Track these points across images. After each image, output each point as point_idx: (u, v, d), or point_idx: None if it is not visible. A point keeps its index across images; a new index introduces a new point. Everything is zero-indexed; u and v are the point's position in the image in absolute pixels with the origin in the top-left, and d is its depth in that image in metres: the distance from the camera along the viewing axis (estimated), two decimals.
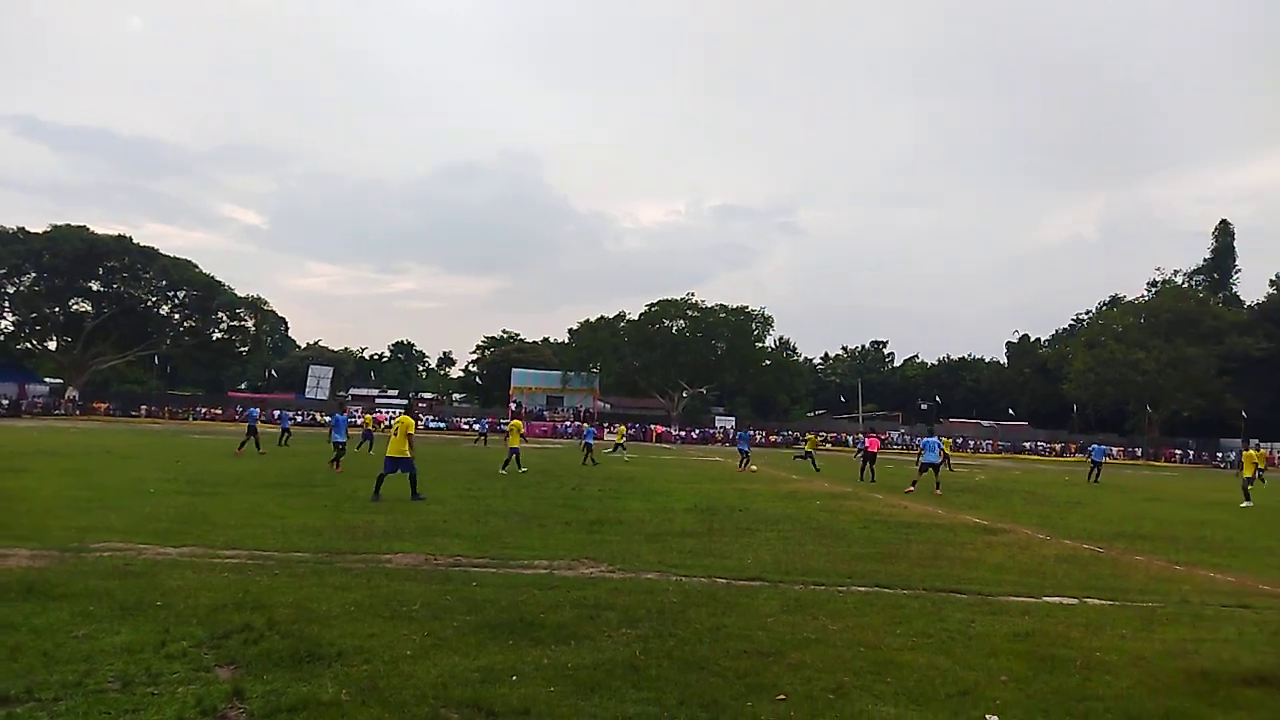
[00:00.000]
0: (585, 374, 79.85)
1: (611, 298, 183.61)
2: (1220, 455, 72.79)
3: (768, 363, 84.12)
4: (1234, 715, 4.96)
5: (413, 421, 15.47)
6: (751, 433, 42.56)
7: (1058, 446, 76.06)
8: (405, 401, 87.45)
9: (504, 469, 22.74)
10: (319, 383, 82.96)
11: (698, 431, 75.40)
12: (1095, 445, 35.89)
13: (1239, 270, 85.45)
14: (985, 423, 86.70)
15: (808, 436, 40.09)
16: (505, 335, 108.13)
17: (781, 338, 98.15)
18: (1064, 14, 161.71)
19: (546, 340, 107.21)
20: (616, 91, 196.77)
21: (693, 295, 78.82)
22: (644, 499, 17.09)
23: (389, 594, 7.16)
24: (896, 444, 74.99)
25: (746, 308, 78.89)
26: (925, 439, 22.52)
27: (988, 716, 4.83)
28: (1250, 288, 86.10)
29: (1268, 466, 22.99)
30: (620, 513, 14.27)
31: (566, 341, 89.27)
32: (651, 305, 78.90)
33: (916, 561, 10.33)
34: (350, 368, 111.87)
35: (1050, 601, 8.19)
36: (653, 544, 10.78)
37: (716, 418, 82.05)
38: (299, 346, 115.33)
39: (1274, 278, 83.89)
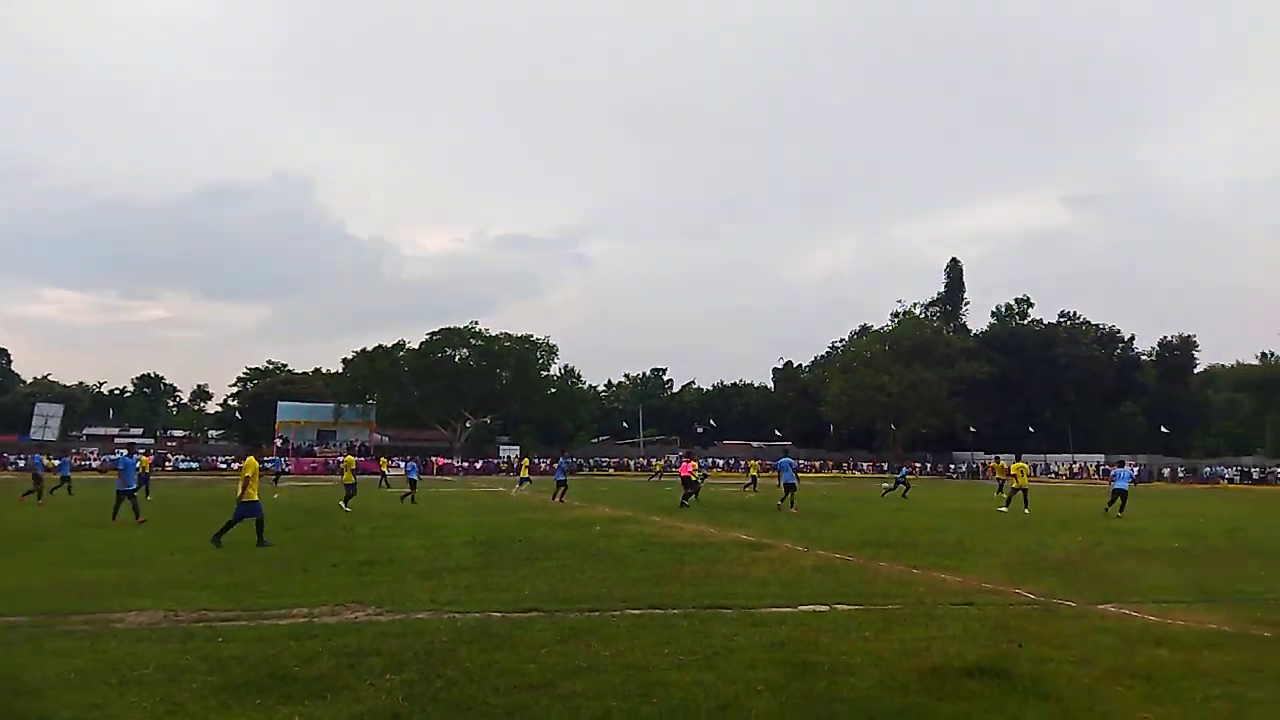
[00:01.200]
0: (361, 406, 76.34)
1: (393, 326, 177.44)
2: (952, 467, 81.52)
3: (553, 391, 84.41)
4: (958, 706, 5.47)
5: (256, 463, 14.79)
6: (570, 460, 42.49)
7: (816, 464, 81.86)
8: (149, 440, 79.40)
9: (346, 505, 23.04)
10: (47, 422, 73.45)
11: (481, 462, 74.15)
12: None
13: (968, 303, 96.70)
14: (754, 443, 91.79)
15: (655, 463, 40.97)
16: (271, 366, 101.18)
17: (567, 365, 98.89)
18: (821, 71, 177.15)
19: (318, 371, 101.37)
20: (399, 115, 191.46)
21: (476, 324, 77.80)
22: (420, 535, 16.49)
23: (118, 657, 6.39)
24: (675, 465, 77.53)
25: (531, 336, 78.99)
26: (781, 460, 24.20)
27: None
28: (976, 318, 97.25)
29: (1020, 477, 25.64)
30: (393, 551, 13.68)
31: (341, 372, 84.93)
32: (433, 334, 76.99)
33: (688, 581, 10.67)
34: (86, 405, 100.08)
35: (805, 610, 8.73)
36: (426, 581, 10.40)
37: (501, 447, 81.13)
38: (23, 382, 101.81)
39: (994, 310, 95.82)
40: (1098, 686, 5.93)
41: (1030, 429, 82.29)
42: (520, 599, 9.23)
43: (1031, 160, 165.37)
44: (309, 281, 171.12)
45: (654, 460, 52.05)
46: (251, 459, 14.90)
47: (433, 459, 70.11)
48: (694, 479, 27.13)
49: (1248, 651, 7.03)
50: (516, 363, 77.68)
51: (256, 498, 14.43)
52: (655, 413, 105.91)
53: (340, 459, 32.73)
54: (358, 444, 75.47)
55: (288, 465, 60.68)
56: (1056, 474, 74.10)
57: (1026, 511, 24.39)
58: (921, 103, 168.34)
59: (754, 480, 38.44)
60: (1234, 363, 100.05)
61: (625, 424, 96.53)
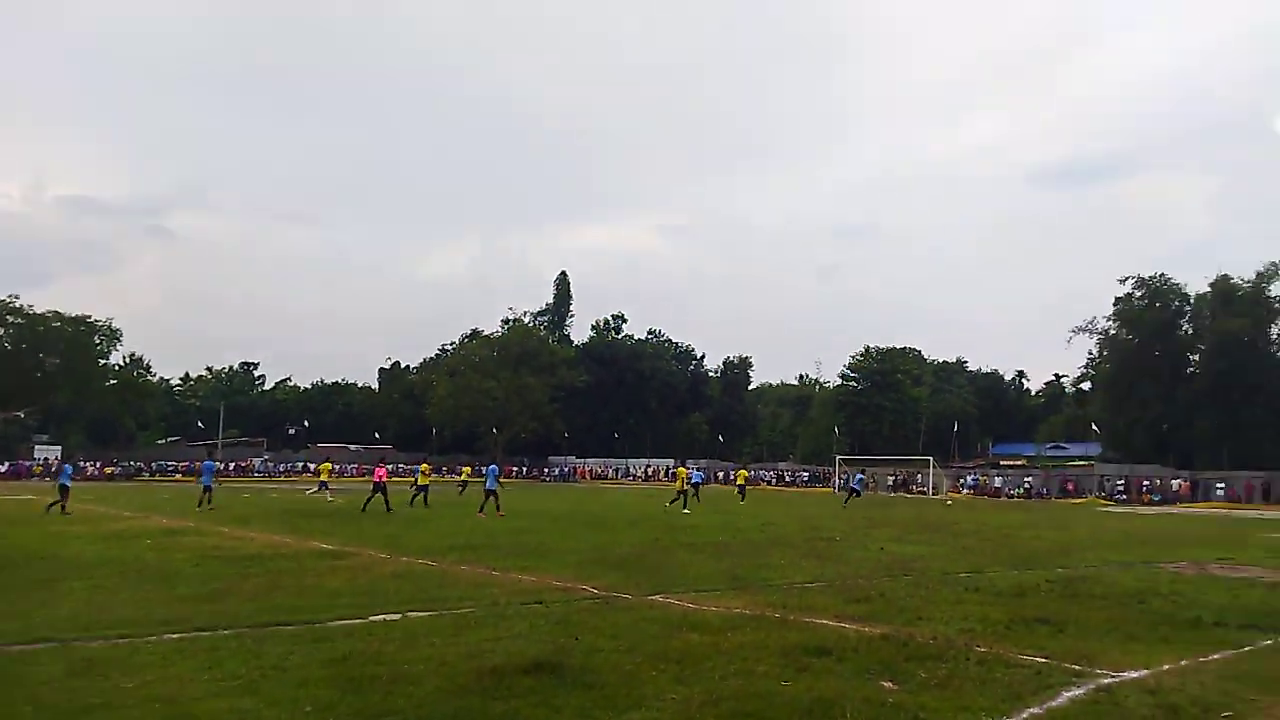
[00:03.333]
0: None
1: None
2: (547, 471, 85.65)
3: (113, 382, 73.28)
4: (510, 704, 5.60)
5: None
6: (75, 464, 36.28)
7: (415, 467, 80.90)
8: None
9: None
10: None
11: (7, 465, 61.65)
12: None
13: (573, 315, 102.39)
14: (353, 446, 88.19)
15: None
16: None
17: (134, 354, 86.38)
18: (458, 61, 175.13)
19: None
20: None
21: (16, 299, 64.65)
22: None
23: None
24: (259, 472, 71.81)
25: (89, 317, 67.79)
26: (490, 467, 25.85)
27: None
28: (579, 330, 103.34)
29: (679, 481, 28.75)
30: None
31: None
32: None
33: (249, 597, 9.79)
34: None
35: (375, 620, 8.44)
36: None
37: (37, 447, 68.25)
38: None
39: (594, 323, 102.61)
40: (638, 672, 6.47)
41: (616, 434, 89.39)
42: (28, 628, 7.76)
43: (633, 188, 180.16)
44: None
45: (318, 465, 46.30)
46: None
47: None
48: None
49: (761, 631, 8.17)
50: (67, 347, 66.11)
51: None
52: (242, 411, 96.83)
53: None
54: None
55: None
56: (635, 476, 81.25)
57: (686, 512, 27.37)
58: (547, 117, 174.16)
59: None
60: (779, 381, 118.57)
61: (202, 424, 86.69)
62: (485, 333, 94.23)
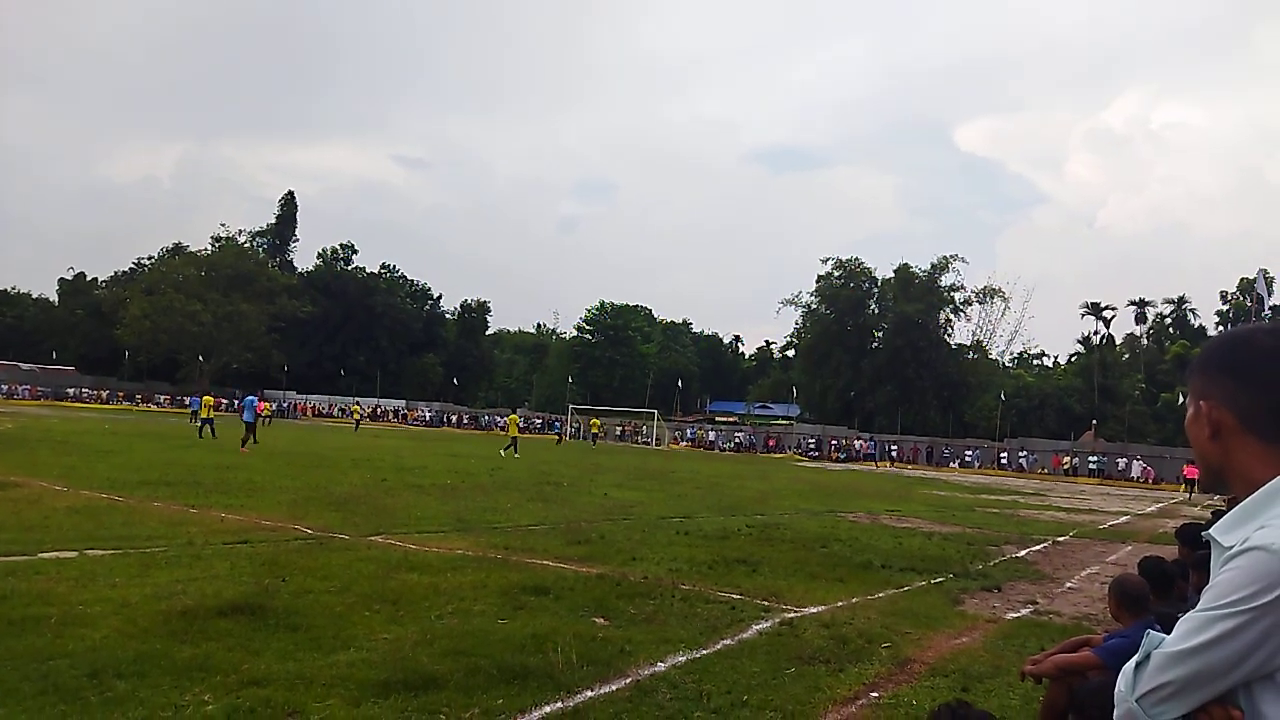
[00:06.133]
0: None
1: None
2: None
3: None
4: (204, 646, 5.18)
5: None
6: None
7: (104, 394, 72.17)
8: None
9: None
10: None
11: None
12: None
13: (298, 240, 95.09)
14: (25, 365, 76.73)
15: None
16: None
17: None
18: None
19: None
20: None
21: None
22: None
23: None
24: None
25: None
26: (247, 398, 26.41)
27: None
28: (304, 257, 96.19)
29: (511, 428, 28.50)
30: None
31: None
32: None
33: None
34: None
35: (46, 558, 7.48)
36: None
37: None
38: None
39: (321, 251, 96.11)
40: (349, 613, 6.25)
41: (342, 371, 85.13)
42: None
43: (369, 112, 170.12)
44: None
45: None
46: None
47: None
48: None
49: (482, 571, 8.21)
50: None
51: None
52: None
53: None
54: None
55: None
56: (361, 416, 78.02)
57: (517, 456, 29.01)
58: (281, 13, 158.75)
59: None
60: (517, 329, 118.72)
61: None
62: (191, 249, 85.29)
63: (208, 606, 6.02)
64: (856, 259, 76.00)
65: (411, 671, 4.92)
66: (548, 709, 4.59)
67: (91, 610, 5.79)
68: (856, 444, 58.92)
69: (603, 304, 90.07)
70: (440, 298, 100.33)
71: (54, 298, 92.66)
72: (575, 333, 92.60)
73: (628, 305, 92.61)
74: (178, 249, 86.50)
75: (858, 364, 73.39)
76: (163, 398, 75.20)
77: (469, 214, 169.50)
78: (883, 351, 73.52)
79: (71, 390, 71.52)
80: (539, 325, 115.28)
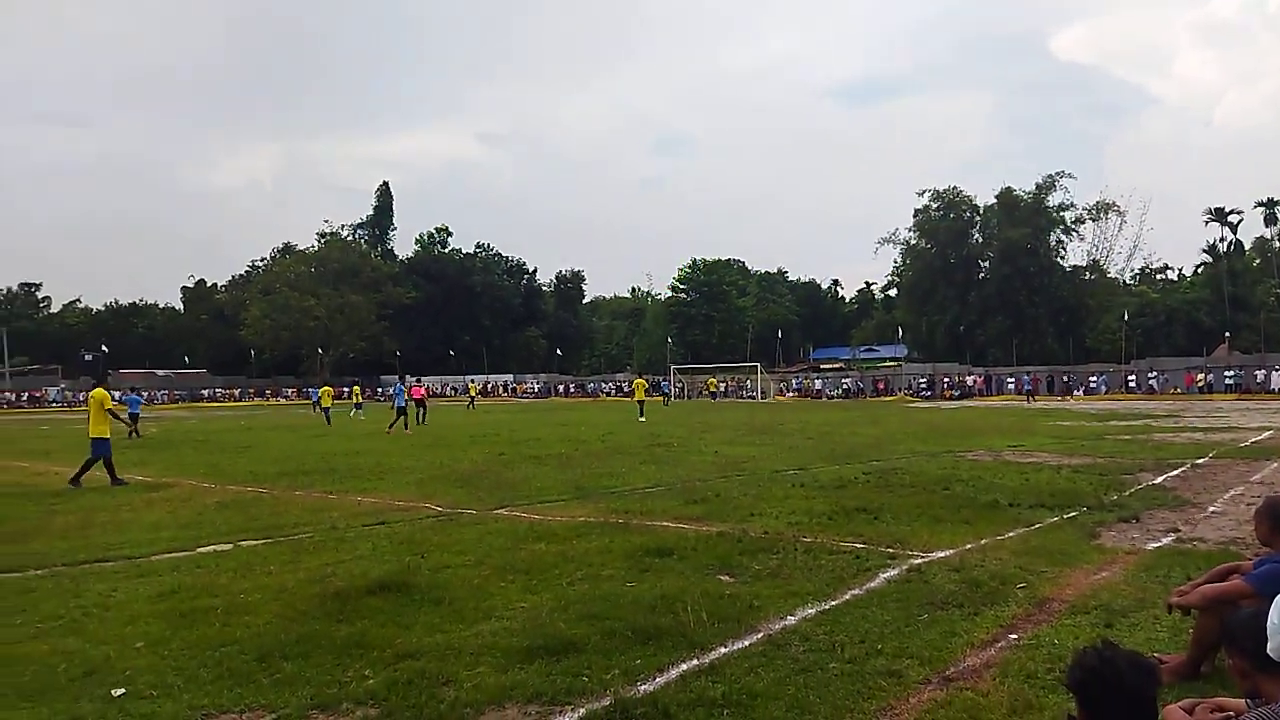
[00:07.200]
0: None
1: None
2: (380, 389, 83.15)
3: None
4: (357, 625, 5.52)
5: (106, 395, 14.26)
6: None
7: (236, 392, 76.58)
8: None
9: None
10: None
11: None
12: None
13: (395, 228, 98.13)
14: (160, 372, 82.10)
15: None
16: None
17: None
18: None
19: None
20: None
21: None
22: None
23: None
24: (55, 402, 65.79)
25: None
26: (397, 385, 28.38)
27: (113, 691, 4.42)
28: (402, 244, 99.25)
29: (638, 391, 30.68)
30: None
31: None
32: None
33: (60, 535, 9.09)
34: None
35: (204, 552, 8.05)
36: None
37: None
38: None
39: (418, 237, 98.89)
40: (486, 585, 6.53)
41: (451, 352, 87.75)
42: None
43: (447, 95, 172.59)
44: None
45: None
46: (100, 390, 14.09)
47: None
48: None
49: (605, 537, 8.41)
50: None
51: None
52: (28, 337, 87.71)
53: None
54: None
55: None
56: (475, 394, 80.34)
57: (643, 420, 29.97)
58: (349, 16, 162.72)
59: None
60: (613, 295, 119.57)
61: None
62: (299, 247, 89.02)
63: (357, 586, 6.38)
64: (954, 188, 73.23)
65: (551, 637, 5.12)
66: (684, 667, 4.70)
67: (252, 598, 6.22)
68: (970, 379, 57.17)
69: (695, 261, 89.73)
70: (535, 271, 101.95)
71: (179, 305, 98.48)
72: (670, 293, 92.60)
73: (720, 260, 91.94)
74: (287, 249, 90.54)
75: (965, 297, 70.95)
76: (290, 391, 79.34)
77: (553, 184, 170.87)
78: (990, 282, 70.83)
79: (206, 391, 76.26)
80: (634, 289, 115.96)
